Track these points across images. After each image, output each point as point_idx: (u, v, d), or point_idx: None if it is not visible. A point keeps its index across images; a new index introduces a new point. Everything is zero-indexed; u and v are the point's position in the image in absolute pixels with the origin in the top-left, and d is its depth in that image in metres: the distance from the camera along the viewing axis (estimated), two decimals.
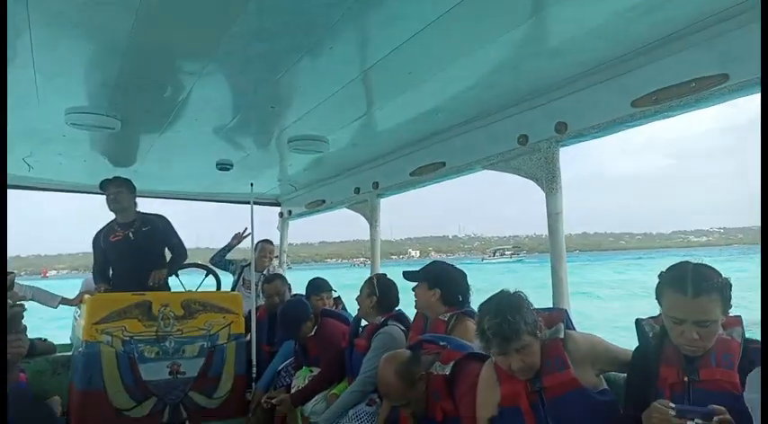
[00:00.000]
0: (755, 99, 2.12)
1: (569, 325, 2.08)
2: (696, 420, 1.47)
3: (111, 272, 4.03)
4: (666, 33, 2.18)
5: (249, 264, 4.73)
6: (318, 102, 2.94)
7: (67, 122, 2.99)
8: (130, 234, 3.94)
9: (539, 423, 1.86)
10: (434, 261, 3.03)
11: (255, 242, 4.83)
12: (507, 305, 1.91)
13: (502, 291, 2.01)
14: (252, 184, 4.32)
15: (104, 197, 3.94)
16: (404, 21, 2.07)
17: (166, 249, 4.10)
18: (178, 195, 5.49)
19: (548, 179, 2.80)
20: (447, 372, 2.21)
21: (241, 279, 5.08)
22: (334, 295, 3.99)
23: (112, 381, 3.30)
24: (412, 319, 3.03)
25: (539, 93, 2.81)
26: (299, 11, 1.96)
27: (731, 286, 1.63)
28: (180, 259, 4.16)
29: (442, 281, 2.78)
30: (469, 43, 2.28)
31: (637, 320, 1.91)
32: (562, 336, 1.95)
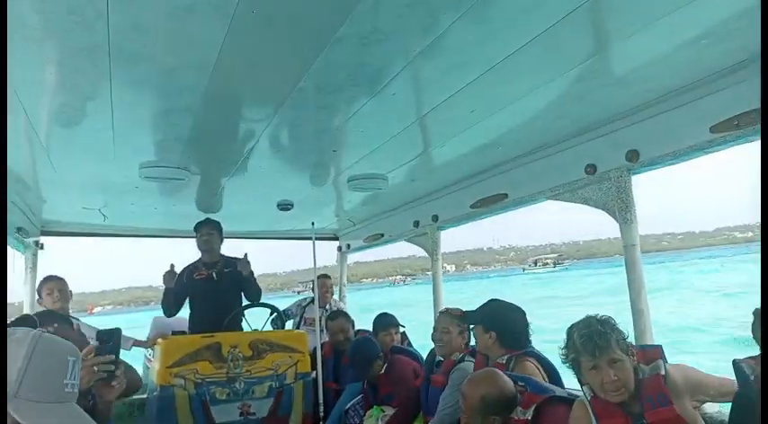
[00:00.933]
0: None
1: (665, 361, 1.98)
2: None
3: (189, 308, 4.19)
4: (740, 59, 2.08)
5: (310, 302, 4.76)
6: (378, 144, 2.96)
7: (141, 176, 3.13)
8: (214, 274, 4.11)
9: None
10: (491, 301, 2.91)
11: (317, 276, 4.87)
12: (596, 320, 1.93)
13: (588, 315, 1.99)
14: (313, 223, 4.38)
15: (193, 238, 4.17)
16: (466, 67, 2.07)
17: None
18: (241, 234, 5.63)
19: (620, 209, 2.69)
20: (529, 417, 2.12)
21: (302, 319, 5.11)
22: (401, 329, 3.95)
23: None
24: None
25: (606, 122, 2.73)
26: (363, 63, 1.99)
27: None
28: (257, 294, 4.29)
29: (498, 323, 2.71)
30: (532, 82, 2.26)
31: (734, 361, 1.79)
32: (663, 372, 1.88)
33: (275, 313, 4.79)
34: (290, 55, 1.92)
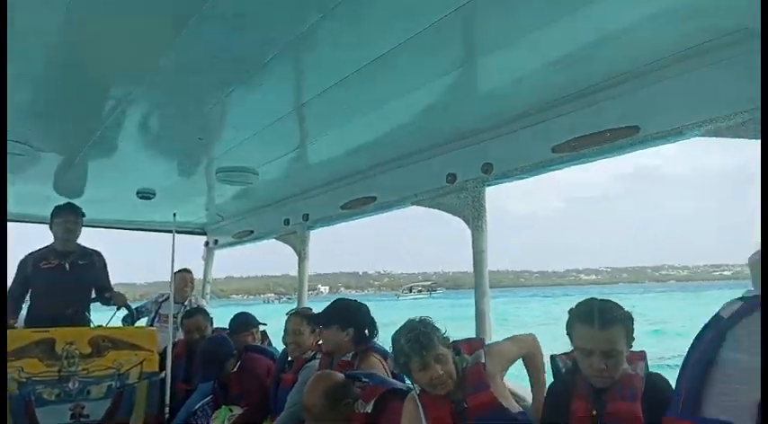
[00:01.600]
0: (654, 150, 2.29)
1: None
2: None
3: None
4: (585, 86, 2.32)
5: (167, 299, 4.47)
6: (248, 136, 2.88)
7: None
8: (66, 265, 3.72)
9: None
10: (338, 300, 2.95)
11: (176, 271, 4.60)
12: (419, 323, 2.06)
13: (409, 319, 2.12)
14: (174, 214, 4.14)
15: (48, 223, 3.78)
16: (337, 65, 2.09)
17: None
18: (95, 223, 5.14)
19: (474, 217, 2.87)
20: (369, 409, 2.18)
21: (158, 315, 4.79)
22: (261, 329, 3.85)
23: None
24: None
25: (468, 135, 2.90)
26: (230, 47, 1.93)
27: (633, 319, 1.77)
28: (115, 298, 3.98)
29: (353, 321, 2.76)
30: (401, 87, 2.34)
31: (552, 356, 2.00)
32: (483, 361, 2.04)
33: (126, 310, 4.45)
34: (148, 28, 1.81)
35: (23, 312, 3.83)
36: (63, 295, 3.67)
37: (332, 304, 2.90)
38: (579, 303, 1.83)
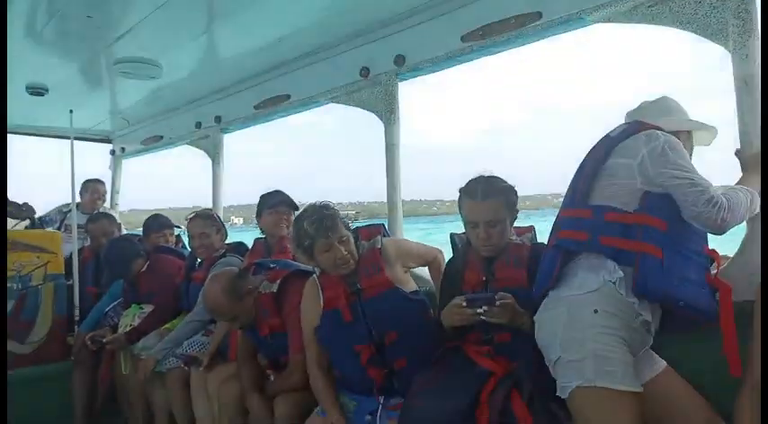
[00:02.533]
0: (564, 38, 2.38)
1: (384, 232, 2.22)
2: (483, 307, 1.69)
3: None
4: None
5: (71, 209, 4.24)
6: (145, 15, 2.66)
7: None
8: None
9: (356, 321, 1.98)
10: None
11: (84, 180, 4.37)
12: (321, 207, 2.09)
13: (310, 203, 2.15)
14: (71, 111, 3.84)
15: None
16: None
17: None
18: None
19: (387, 111, 2.89)
20: (274, 290, 2.25)
21: (62, 226, 4.56)
22: (176, 232, 3.78)
23: None
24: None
25: (379, 26, 2.85)
26: None
27: (516, 192, 1.91)
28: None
29: None
30: None
31: (451, 234, 2.12)
32: (379, 246, 2.10)
33: (27, 218, 4.21)
34: None
35: None
36: None
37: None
38: (469, 180, 1.92)
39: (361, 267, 2.05)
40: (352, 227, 2.14)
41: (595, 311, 1.47)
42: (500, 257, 1.89)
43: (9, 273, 3.18)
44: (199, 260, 3.08)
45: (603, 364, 1.43)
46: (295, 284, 2.26)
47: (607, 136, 1.69)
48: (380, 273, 2.02)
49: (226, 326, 2.58)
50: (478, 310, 1.69)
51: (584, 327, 1.47)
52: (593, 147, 1.69)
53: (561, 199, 1.77)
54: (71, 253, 3.70)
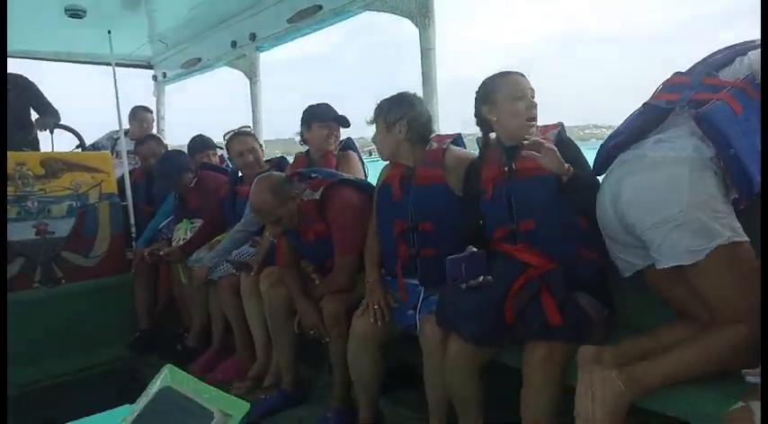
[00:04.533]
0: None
1: (458, 142, 2.20)
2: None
3: None
4: None
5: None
6: None
7: None
8: None
9: (403, 200, 2.08)
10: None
11: (132, 108, 4.47)
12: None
13: None
14: (110, 31, 3.87)
15: None
16: None
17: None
18: (26, 54, 4.79)
19: (420, 14, 2.79)
20: (317, 197, 2.30)
21: (114, 152, 4.72)
22: (219, 153, 3.87)
23: None
24: None
25: None
26: None
27: None
28: (53, 117, 3.92)
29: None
30: None
31: (477, 138, 2.09)
32: (445, 147, 2.12)
33: (79, 143, 4.37)
34: None
35: None
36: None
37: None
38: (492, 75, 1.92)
39: (423, 158, 2.11)
40: None
41: (715, 172, 1.42)
42: (519, 148, 1.82)
43: (66, 191, 3.35)
44: (241, 174, 3.16)
45: (731, 220, 1.39)
46: (337, 191, 2.31)
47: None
48: (437, 168, 2.07)
49: (271, 233, 2.68)
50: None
51: (707, 186, 1.40)
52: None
53: (586, 131, 1.71)
54: (122, 175, 3.87)
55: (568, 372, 1.61)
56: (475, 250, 1.78)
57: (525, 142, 1.74)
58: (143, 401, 0.51)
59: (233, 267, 2.83)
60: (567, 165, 1.69)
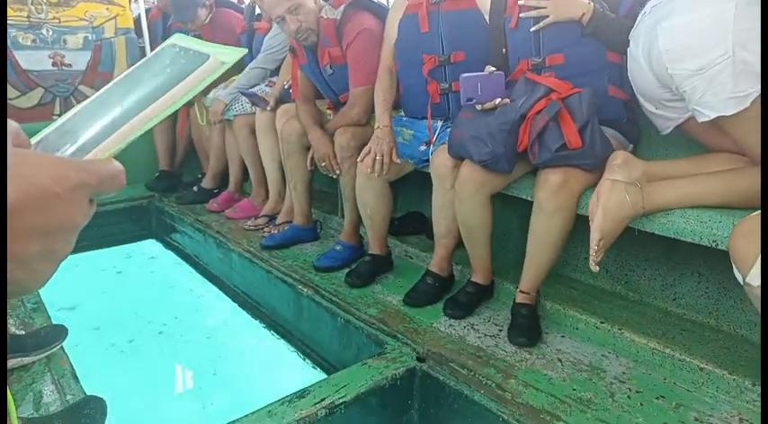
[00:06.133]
0: None
1: None
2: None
3: None
4: None
5: None
6: None
7: None
8: None
9: (432, 31, 1.91)
10: None
11: None
12: None
13: None
14: None
15: None
16: None
17: None
18: None
19: None
20: (338, 17, 2.14)
21: None
22: None
23: None
24: None
25: None
26: None
27: None
28: None
29: None
30: None
31: None
32: None
33: None
34: None
35: None
36: None
37: None
38: None
39: None
40: None
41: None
42: None
43: (81, 22, 3.24)
44: (258, 11, 2.98)
45: None
46: (358, 14, 2.15)
47: None
48: None
49: (288, 70, 2.57)
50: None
51: (752, 20, 1.24)
52: None
53: None
54: (138, 14, 3.72)
55: (582, 202, 1.56)
56: (493, 69, 1.66)
57: None
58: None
59: (249, 100, 2.76)
60: (585, 3, 1.53)
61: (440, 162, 1.81)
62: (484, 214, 1.73)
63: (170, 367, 2.17)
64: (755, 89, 1.26)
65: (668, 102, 1.48)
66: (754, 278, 1.03)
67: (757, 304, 1.07)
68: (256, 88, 2.84)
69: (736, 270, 1.09)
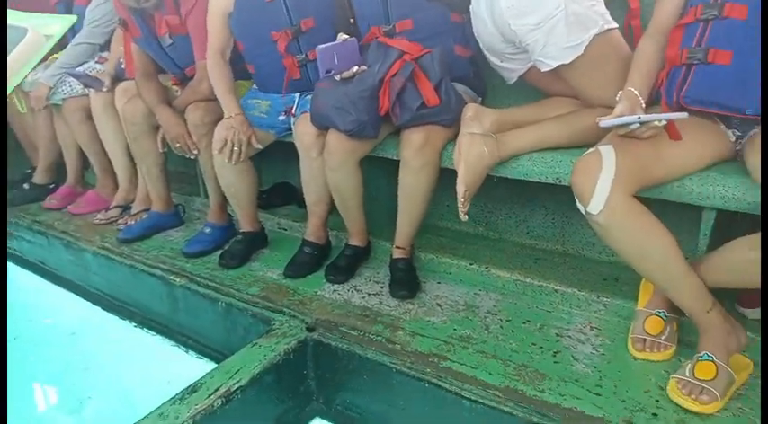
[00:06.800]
0: None
1: None
2: None
3: None
4: None
5: None
6: None
7: None
8: None
9: (275, 2, 1.79)
10: None
11: None
12: None
13: None
14: None
15: None
16: None
17: None
18: None
19: None
20: None
21: None
22: None
23: None
24: None
25: None
26: None
27: None
28: None
29: None
30: None
31: None
32: None
33: None
34: None
35: None
36: None
37: None
38: None
39: None
40: None
41: None
42: None
43: None
44: None
45: (600, 6, 1.41)
46: None
47: None
48: None
49: (120, 43, 2.32)
50: None
51: None
52: None
53: None
54: None
55: (444, 156, 1.66)
56: (346, 37, 1.66)
57: None
58: None
59: (80, 83, 2.46)
60: None
61: (303, 131, 1.79)
62: (354, 179, 1.76)
63: (28, 387, 1.95)
64: (588, 36, 1.41)
65: (512, 55, 1.60)
66: (593, 207, 1.19)
67: (597, 229, 1.24)
68: (85, 67, 2.54)
69: (578, 202, 1.25)
